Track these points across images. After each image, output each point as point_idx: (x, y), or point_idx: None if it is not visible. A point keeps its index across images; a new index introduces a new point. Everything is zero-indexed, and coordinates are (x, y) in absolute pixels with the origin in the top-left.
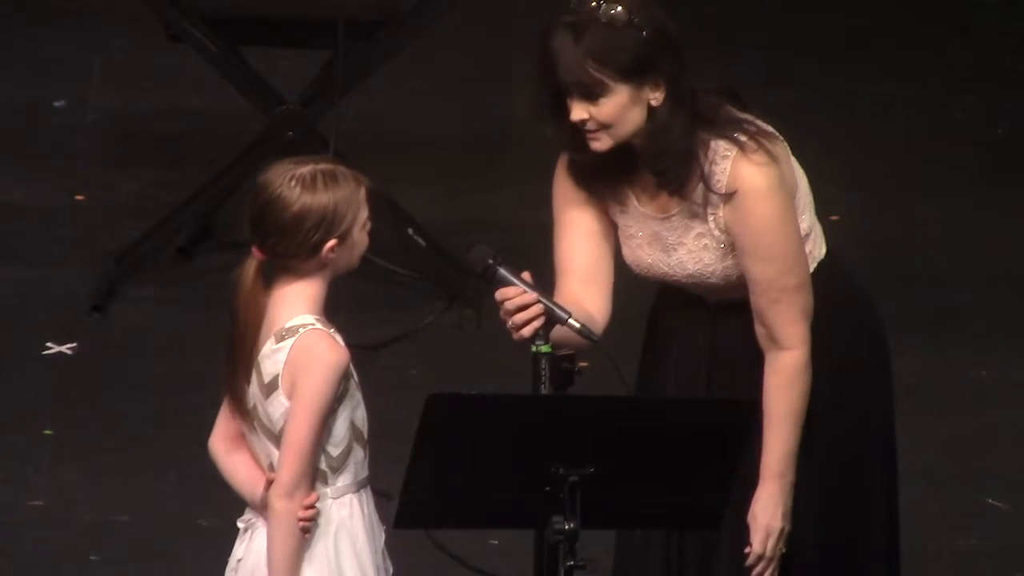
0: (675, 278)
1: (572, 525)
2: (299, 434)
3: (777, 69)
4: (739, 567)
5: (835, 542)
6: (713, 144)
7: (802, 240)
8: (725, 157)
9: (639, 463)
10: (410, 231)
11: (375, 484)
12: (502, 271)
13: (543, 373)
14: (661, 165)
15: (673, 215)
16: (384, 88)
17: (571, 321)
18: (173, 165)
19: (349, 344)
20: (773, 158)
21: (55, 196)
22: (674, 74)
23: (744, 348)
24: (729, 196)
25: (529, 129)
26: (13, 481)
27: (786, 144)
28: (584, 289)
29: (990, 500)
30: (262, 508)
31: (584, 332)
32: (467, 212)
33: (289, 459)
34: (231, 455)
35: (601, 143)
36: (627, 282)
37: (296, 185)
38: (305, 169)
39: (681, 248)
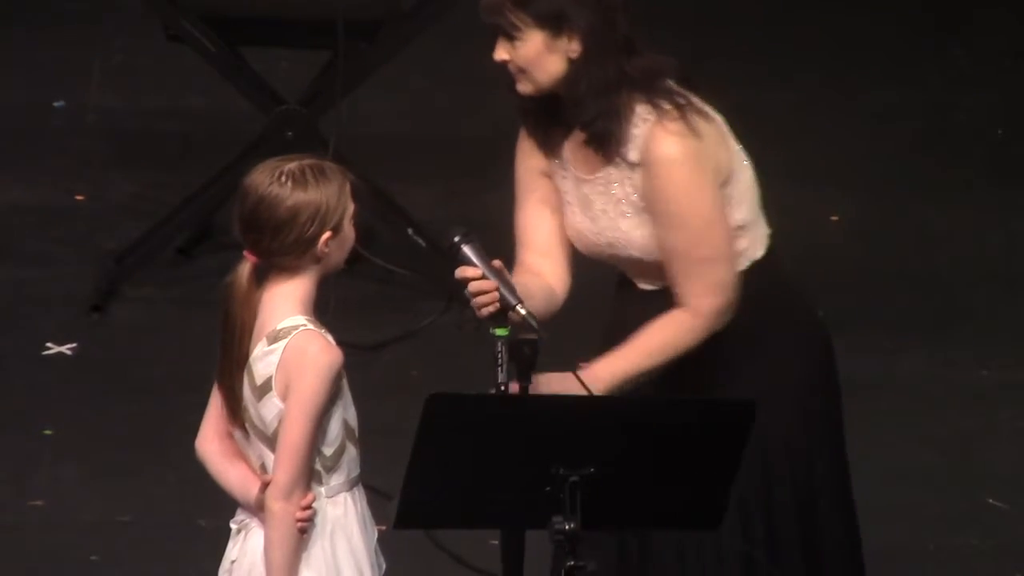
0: (600, 249)
1: (572, 525)
2: (295, 435)
3: (777, 69)
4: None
5: (787, 537)
6: (638, 108)
7: (719, 216)
8: (645, 121)
9: (639, 463)
10: (410, 231)
11: (374, 483)
12: (465, 250)
13: (499, 356)
14: (582, 118)
15: (598, 176)
16: (384, 88)
17: (518, 308)
18: (173, 165)
19: (346, 344)
20: (693, 131)
21: (55, 196)
22: (594, 30)
23: None
24: (643, 162)
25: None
26: (13, 481)
27: (724, 130)
28: (543, 260)
29: (990, 500)
30: (256, 509)
31: (529, 321)
32: (467, 212)
33: (285, 460)
34: (222, 456)
35: (523, 86)
36: None
37: (287, 181)
38: (292, 166)
39: (604, 216)
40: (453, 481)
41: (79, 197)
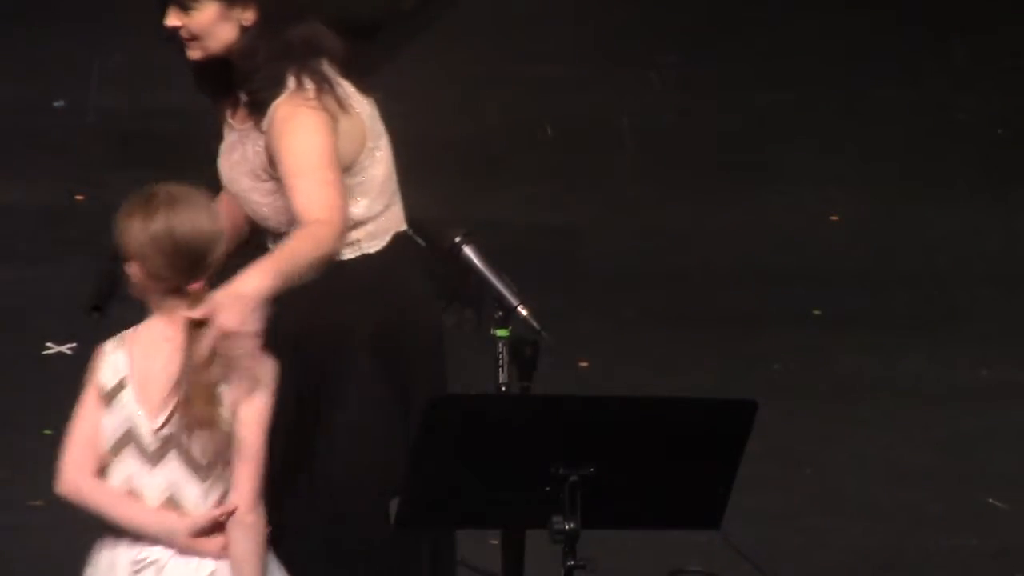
0: (234, 197)
1: (572, 525)
2: (256, 447)
3: (777, 69)
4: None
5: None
6: (289, 81)
7: (334, 162)
8: (286, 90)
9: (639, 463)
10: (410, 231)
11: None
12: (465, 250)
13: (500, 357)
14: (249, 85)
15: (243, 128)
16: (384, 88)
17: (519, 309)
18: (173, 165)
19: None
20: (322, 108)
21: (55, 196)
22: (269, 2)
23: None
24: (267, 130)
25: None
26: (13, 481)
27: (363, 125)
28: (228, 194)
29: (990, 500)
30: (188, 536)
31: (530, 323)
32: (467, 212)
33: (251, 472)
34: (105, 491)
35: (193, 52)
36: (627, 282)
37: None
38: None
39: (236, 168)
40: (453, 481)
41: (79, 197)
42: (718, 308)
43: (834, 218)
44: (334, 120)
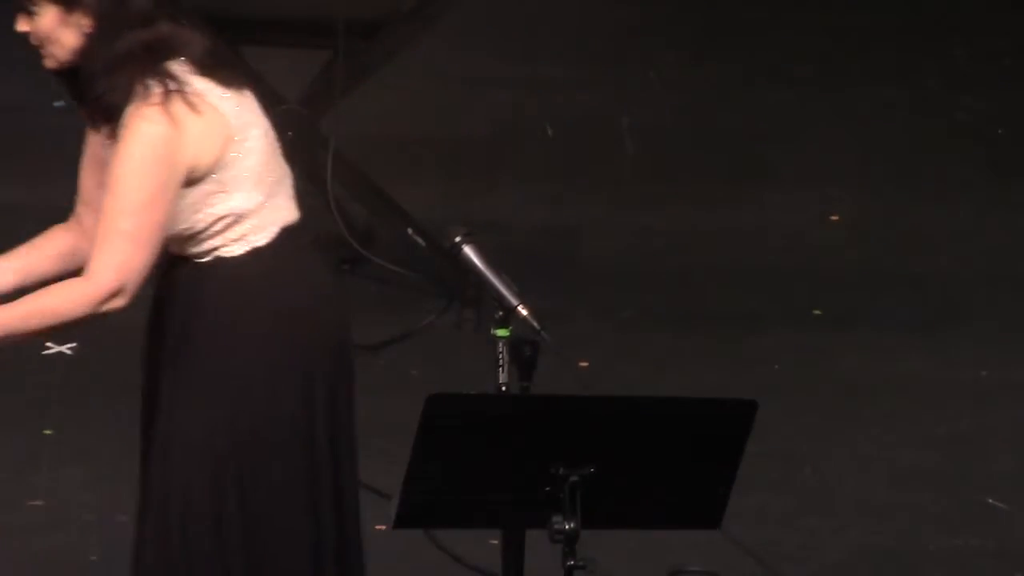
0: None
1: (572, 525)
2: None
3: (777, 69)
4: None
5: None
6: (139, 87)
7: (152, 205)
8: (134, 100)
9: (639, 463)
10: (410, 231)
11: (374, 483)
12: (465, 250)
13: (500, 357)
14: (92, 92)
15: (108, 143)
16: (384, 88)
17: (519, 309)
18: None
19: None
20: (167, 118)
21: (55, 196)
22: (103, 6)
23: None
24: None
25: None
26: (13, 481)
27: (221, 122)
28: (85, 209)
29: (990, 500)
30: None
31: (530, 322)
32: (467, 212)
33: None
34: None
35: (47, 60)
36: (626, 283)
37: None
38: None
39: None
40: (453, 481)
41: None
42: (718, 308)
43: (834, 218)
44: (180, 126)
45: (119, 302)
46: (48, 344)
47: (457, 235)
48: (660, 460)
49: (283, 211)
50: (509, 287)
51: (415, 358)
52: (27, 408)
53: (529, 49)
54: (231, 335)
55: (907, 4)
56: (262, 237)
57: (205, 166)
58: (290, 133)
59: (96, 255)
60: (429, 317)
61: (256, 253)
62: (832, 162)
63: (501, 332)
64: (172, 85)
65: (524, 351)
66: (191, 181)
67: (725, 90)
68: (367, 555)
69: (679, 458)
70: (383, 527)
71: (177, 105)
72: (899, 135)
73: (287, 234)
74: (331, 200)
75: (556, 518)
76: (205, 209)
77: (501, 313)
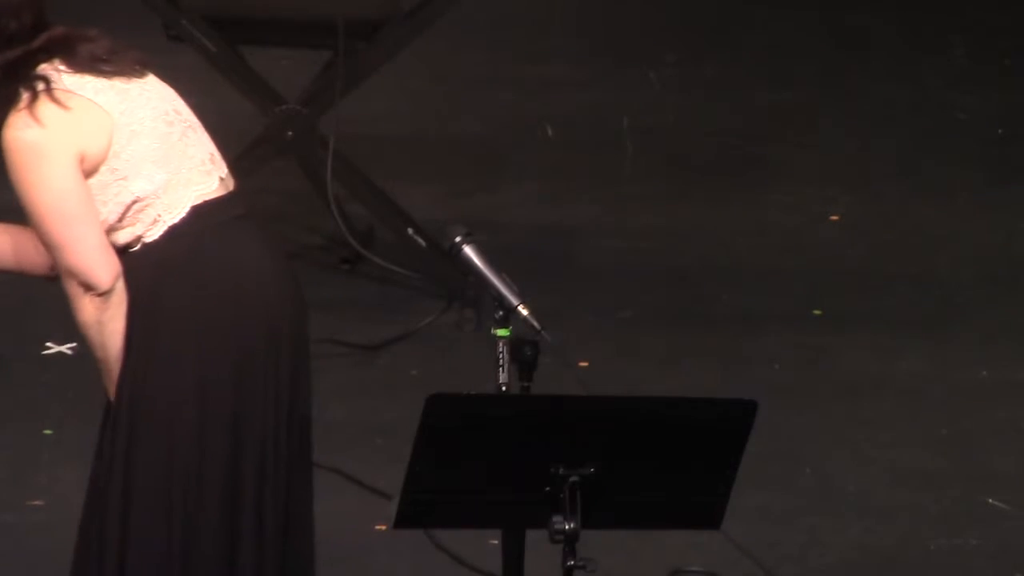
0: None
1: (572, 525)
2: None
3: (777, 69)
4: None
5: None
6: (11, 98)
7: (62, 206)
8: (14, 107)
9: (639, 463)
10: (410, 231)
11: (375, 483)
12: (466, 250)
13: (501, 357)
14: None
15: None
16: (384, 88)
17: (519, 309)
18: None
19: (346, 344)
20: (34, 121)
21: None
22: None
23: None
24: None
25: (530, 129)
26: (13, 481)
27: (99, 107)
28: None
29: (990, 500)
30: None
31: (530, 322)
32: (467, 212)
33: None
34: None
35: None
36: (626, 283)
37: None
38: None
39: None
40: (453, 481)
41: None
42: (718, 308)
43: (834, 218)
44: (49, 123)
45: (102, 301)
46: (48, 344)
47: (457, 235)
48: (660, 460)
49: (197, 186)
50: (509, 287)
51: (415, 358)
52: (27, 408)
53: (529, 49)
54: (157, 317)
55: (907, 4)
56: (176, 215)
57: (94, 156)
58: (290, 133)
59: (62, 275)
60: (429, 317)
61: (172, 232)
62: (832, 162)
63: (501, 332)
64: (40, 86)
65: (524, 351)
66: (86, 173)
67: (725, 90)
68: (320, 541)
69: (679, 458)
70: (383, 527)
71: (43, 104)
72: (899, 135)
73: (205, 208)
74: (331, 200)
75: (556, 518)
76: (111, 200)
77: (501, 313)
